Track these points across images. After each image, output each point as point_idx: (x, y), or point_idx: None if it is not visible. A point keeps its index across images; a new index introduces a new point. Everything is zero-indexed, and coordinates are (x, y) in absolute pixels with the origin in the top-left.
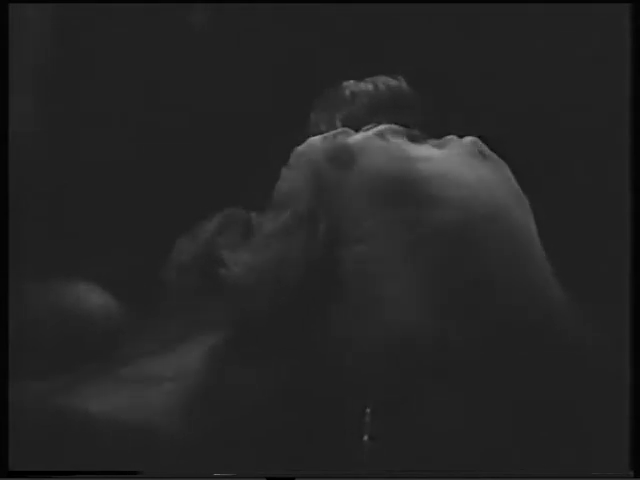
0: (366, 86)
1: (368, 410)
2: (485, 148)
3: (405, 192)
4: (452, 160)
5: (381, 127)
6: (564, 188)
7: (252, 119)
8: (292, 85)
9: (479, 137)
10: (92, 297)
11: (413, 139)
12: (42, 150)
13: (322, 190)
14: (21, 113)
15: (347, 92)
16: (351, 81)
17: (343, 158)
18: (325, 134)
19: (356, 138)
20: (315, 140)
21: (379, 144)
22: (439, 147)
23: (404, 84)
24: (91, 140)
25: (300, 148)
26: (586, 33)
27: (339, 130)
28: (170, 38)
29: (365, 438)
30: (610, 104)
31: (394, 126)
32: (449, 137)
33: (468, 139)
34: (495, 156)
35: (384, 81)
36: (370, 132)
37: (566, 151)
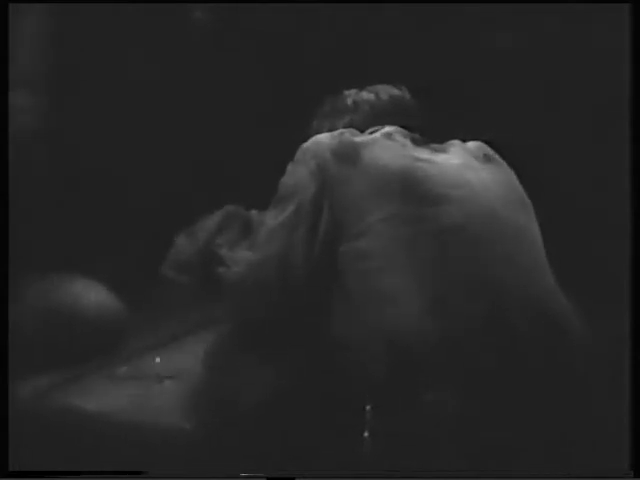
0: (368, 95)
1: (368, 407)
2: (490, 152)
3: (409, 189)
4: (457, 160)
5: (387, 128)
6: (568, 195)
7: (252, 122)
8: (293, 92)
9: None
10: (91, 295)
11: (417, 143)
12: (42, 149)
13: (327, 185)
14: (21, 112)
15: (349, 101)
16: (353, 90)
17: (349, 154)
18: (332, 132)
19: (362, 137)
20: (321, 137)
21: (385, 142)
22: (443, 151)
23: (407, 93)
24: (91, 138)
25: (306, 144)
26: (585, 34)
27: (346, 129)
28: (172, 38)
29: (365, 435)
30: (610, 105)
31: (399, 128)
32: (453, 141)
33: (473, 143)
34: (500, 160)
35: (386, 90)
36: (377, 133)
37: (567, 155)
